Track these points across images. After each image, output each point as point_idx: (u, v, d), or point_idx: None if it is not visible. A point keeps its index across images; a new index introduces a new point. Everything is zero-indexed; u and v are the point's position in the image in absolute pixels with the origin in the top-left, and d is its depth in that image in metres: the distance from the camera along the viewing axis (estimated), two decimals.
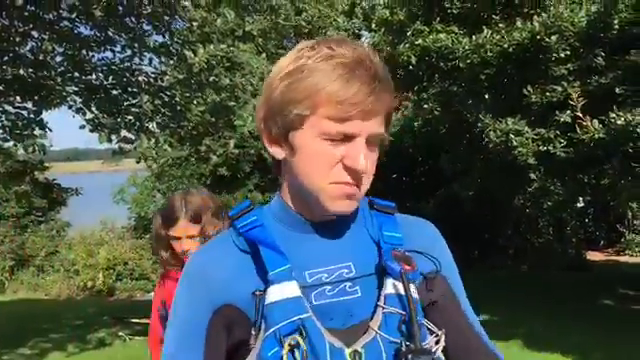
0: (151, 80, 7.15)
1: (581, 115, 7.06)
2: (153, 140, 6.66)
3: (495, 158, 8.63)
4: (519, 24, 7.73)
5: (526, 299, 10.80)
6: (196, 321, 1.08)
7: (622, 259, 17.75)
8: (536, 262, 15.22)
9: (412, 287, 1.03)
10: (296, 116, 1.03)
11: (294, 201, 1.11)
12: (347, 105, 0.99)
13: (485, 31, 7.96)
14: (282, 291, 1.01)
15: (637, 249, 18.24)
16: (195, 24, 6.33)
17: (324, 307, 1.04)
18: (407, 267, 1.04)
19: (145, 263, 21.38)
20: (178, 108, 6.73)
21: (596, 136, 6.88)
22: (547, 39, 7.36)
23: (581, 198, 11.64)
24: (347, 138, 1.02)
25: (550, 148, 7.56)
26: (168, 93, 7.02)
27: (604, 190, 8.96)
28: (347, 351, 0.99)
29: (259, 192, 18.04)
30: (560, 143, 7.58)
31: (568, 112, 7.29)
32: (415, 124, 14.36)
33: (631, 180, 8.05)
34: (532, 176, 8.14)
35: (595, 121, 6.93)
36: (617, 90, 6.95)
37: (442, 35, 8.42)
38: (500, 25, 7.98)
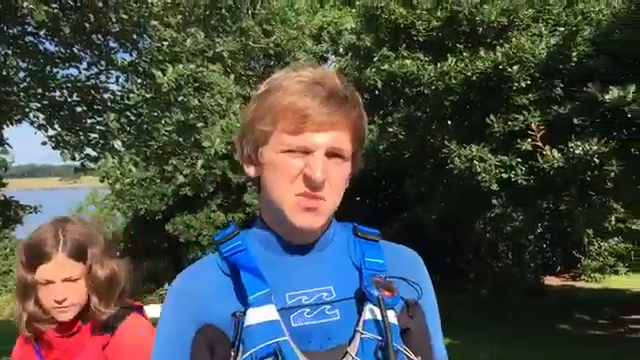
0: (117, 98, 7.07)
1: (541, 144, 7.27)
2: (117, 159, 6.57)
3: (458, 183, 8.79)
4: (482, 53, 7.95)
5: (486, 323, 10.94)
6: (181, 339, 1.09)
7: (578, 284, 18.15)
8: (495, 286, 15.45)
9: (391, 313, 1.05)
10: (261, 132, 1.07)
11: (270, 219, 1.13)
12: (300, 116, 1.03)
13: (450, 59, 8.17)
14: (260, 315, 1.02)
15: (592, 275, 18.70)
16: (165, 44, 6.31)
17: (303, 329, 1.05)
18: (387, 293, 1.06)
19: None
20: (145, 127, 6.66)
21: (556, 164, 7.09)
22: (509, 69, 7.59)
23: (539, 224, 11.91)
24: (307, 152, 1.05)
25: (512, 175, 7.74)
26: (134, 111, 6.95)
27: (561, 217, 9.21)
28: None
29: (222, 212, 17.90)
30: (521, 170, 7.78)
31: (529, 140, 7.49)
32: (380, 147, 14.54)
33: (587, 207, 8.31)
34: (494, 202, 8.31)
35: (555, 150, 7.14)
36: (575, 120, 7.18)
37: (408, 61, 8.60)
38: (464, 54, 8.20)
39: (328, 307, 1.08)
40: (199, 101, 6.07)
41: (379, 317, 1.05)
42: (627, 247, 20.04)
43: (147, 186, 17.21)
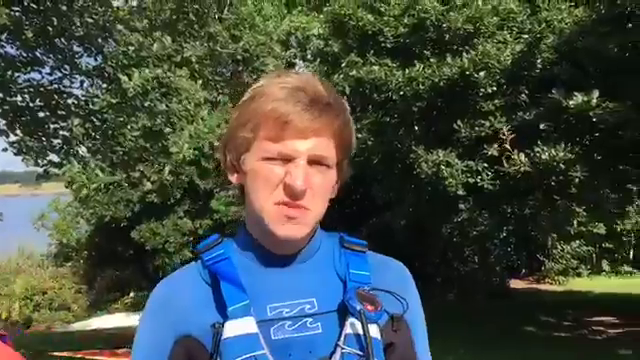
0: (82, 103, 6.92)
1: (509, 149, 7.38)
2: (82, 164, 6.43)
3: (426, 188, 8.86)
4: (449, 60, 8.05)
5: (453, 326, 11.03)
6: (159, 349, 1.07)
7: (542, 287, 18.50)
8: (462, 290, 15.62)
9: (373, 328, 1.03)
10: (243, 139, 1.06)
11: (253, 229, 1.10)
12: (281, 123, 1.01)
13: (417, 65, 8.24)
14: (238, 327, 1.00)
15: (556, 277, 19.08)
16: (132, 48, 6.21)
17: (283, 342, 1.02)
18: (370, 307, 1.03)
19: (66, 293, 20.43)
20: (110, 133, 6.54)
21: (522, 169, 7.20)
22: (475, 75, 7.70)
23: (504, 228, 12.09)
24: (288, 159, 1.02)
25: (478, 180, 7.84)
26: (99, 117, 6.81)
27: (526, 221, 9.37)
28: None
29: (189, 219, 17.72)
30: (487, 175, 7.88)
31: (495, 146, 7.60)
32: None
33: (551, 212, 8.47)
34: (461, 206, 8.40)
35: (521, 155, 7.26)
36: (541, 126, 7.31)
37: (376, 67, 8.65)
38: (431, 60, 8.28)
39: (310, 320, 1.05)
40: (167, 106, 5.98)
41: (360, 331, 1.02)
42: (589, 250, 20.52)
43: (112, 192, 16.91)
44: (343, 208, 16.21)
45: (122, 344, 7.83)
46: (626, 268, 20.61)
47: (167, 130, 6.11)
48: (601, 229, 17.08)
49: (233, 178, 1.12)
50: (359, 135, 10.07)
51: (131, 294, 20.80)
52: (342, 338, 1.03)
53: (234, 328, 1.00)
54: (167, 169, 5.94)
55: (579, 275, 20.10)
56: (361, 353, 1.01)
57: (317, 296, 1.08)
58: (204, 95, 6.85)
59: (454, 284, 16.38)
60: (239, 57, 8.03)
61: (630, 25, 7.63)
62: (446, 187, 7.83)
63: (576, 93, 6.84)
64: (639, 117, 6.68)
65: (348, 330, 1.04)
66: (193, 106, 6.46)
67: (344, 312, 1.06)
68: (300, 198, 1.03)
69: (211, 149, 7.55)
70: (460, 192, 7.82)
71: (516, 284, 18.08)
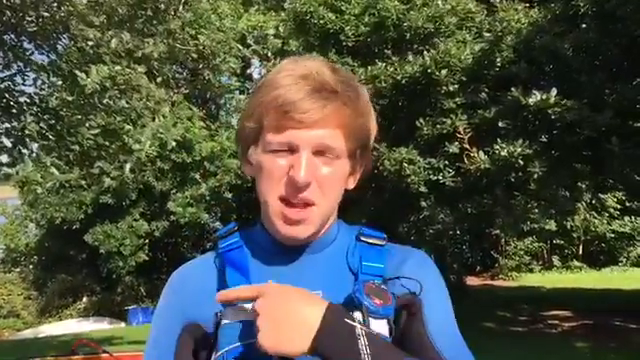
0: (36, 101, 6.66)
1: (468, 146, 7.49)
2: (35, 163, 6.20)
3: (388, 186, 8.91)
4: (411, 58, 8.11)
5: None
6: (169, 333, 1.07)
7: (496, 283, 18.93)
8: None
9: (380, 323, 0.99)
10: (250, 130, 1.03)
11: (265, 220, 1.07)
12: (281, 112, 0.97)
13: (379, 64, 8.27)
14: (237, 314, 0.98)
15: (510, 273, 19.56)
16: (90, 43, 6.01)
17: None
18: (377, 301, 0.99)
19: (15, 299, 19.72)
20: (66, 131, 6.31)
21: (482, 166, 7.31)
22: (437, 73, 7.77)
23: (459, 226, 12.30)
24: (292, 150, 0.99)
25: (440, 177, 7.92)
26: (54, 115, 6.57)
27: (481, 218, 9.52)
28: None
29: (145, 221, 17.37)
30: (448, 172, 7.98)
31: (456, 143, 7.70)
32: None
33: (510, 208, 8.63)
34: (423, 204, 8.48)
35: (481, 152, 7.37)
36: (500, 123, 7.44)
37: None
38: (393, 58, 8.33)
39: None
40: (127, 103, 5.81)
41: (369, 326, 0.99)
42: (540, 246, 21.12)
43: (63, 194, 16.39)
44: None
45: (75, 351, 7.60)
46: (576, 263, 21.30)
47: (127, 127, 5.94)
48: (552, 226, 17.59)
49: (246, 169, 1.10)
50: None
51: (84, 299, 20.25)
52: None
53: (232, 315, 0.98)
54: (128, 166, 5.78)
55: (531, 271, 20.68)
56: None
57: (324, 288, 1.04)
58: (161, 94, 6.69)
59: None
60: (195, 55, 7.88)
61: (584, 25, 7.86)
62: (409, 185, 7.89)
63: (534, 91, 6.99)
64: (594, 115, 6.88)
65: None
66: (153, 103, 6.31)
67: (351, 306, 1.02)
68: (303, 191, 0.99)
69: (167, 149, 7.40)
70: (422, 189, 7.89)
71: (472, 281, 18.44)
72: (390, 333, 1.01)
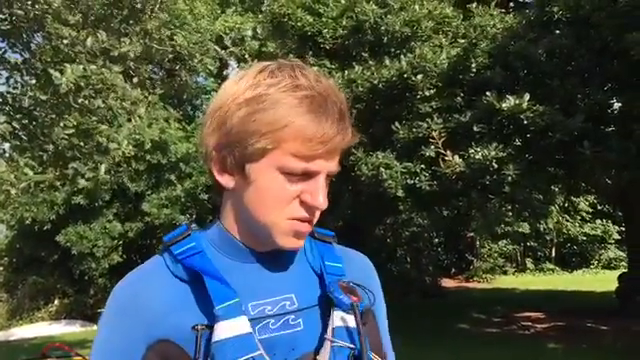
0: (8, 100, 6.55)
1: (443, 150, 7.56)
2: (8, 163, 6.09)
3: (365, 190, 8.95)
4: (387, 62, 8.16)
5: (390, 326, 11.20)
6: (126, 356, 0.98)
7: (471, 285, 19.12)
8: (395, 290, 15.89)
9: (350, 317, 1.00)
10: (258, 149, 0.96)
11: (240, 231, 1.04)
12: (316, 143, 0.95)
13: (356, 67, 8.31)
14: (232, 327, 0.94)
15: (484, 276, 19.78)
16: (65, 42, 5.92)
17: (268, 342, 0.97)
18: (354, 298, 1.01)
19: None
20: (39, 131, 6.21)
21: (458, 170, 7.38)
22: (413, 78, 7.84)
23: (435, 229, 12.40)
24: (307, 175, 0.98)
25: (416, 181, 7.98)
26: (27, 114, 6.46)
27: (457, 221, 9.63)
28: None
29: (119, 222, 17.17)
30: (425, 176, 8.04)
31: (432, 147, 7.76)
32: None
33: (485, 211, 8.74)
34: (401, 207, 8.53)
35: (456, 156, 7.45)
36: (475, 128, 7.53)
37: (315, 69, 8.64)
38: (370, 62, 8.37)
39: (292, 317, 1.01)
40: (104, 102, 5.74)
41: (349, 324, 0.99)
42: (514, 249, 21.39)
43: (33, 193, 16.11)
44: None
45: (47, 354, 7.48)
46: (549, 265, 21.63)
47: (102, 127, 5.87)
48: (526, 228, 17.85)
49: (224, 179, 1.02)
50: None
51: (56, 302, 19.93)
52: (329, 331, 1.00)
53: (227, 329, 0.93)
54: (103, 167, 5.70)
55: (505, 273, 20.94)
56: (352, 346, 0.99)
57: (296, 292, 1.04)
58: (137, 94, 6.62)
59: (387, 284, 16.64)
60: (171, 55, 7.83)
61: (558, 31, 8.00)
62: (386, 189, 7.93)
63: (508, 96, 7.10)
64: (566, 120, 7.01)
65: (337, 324, 1.00)
66: (129, 104, 6.24)
67: (324, 306, 1.03)
68: (316, 214, 1.01)
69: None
70: (399, 193, 7.94)
71: (447, 283, 18.60)
72: (357, 325, 1.01)
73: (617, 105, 8.02)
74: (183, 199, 17.01)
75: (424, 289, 16.17)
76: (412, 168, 7.95)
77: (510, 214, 9.61)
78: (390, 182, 7.81)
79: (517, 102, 7.01)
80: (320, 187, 0.98)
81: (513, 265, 21.70)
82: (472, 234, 18.16)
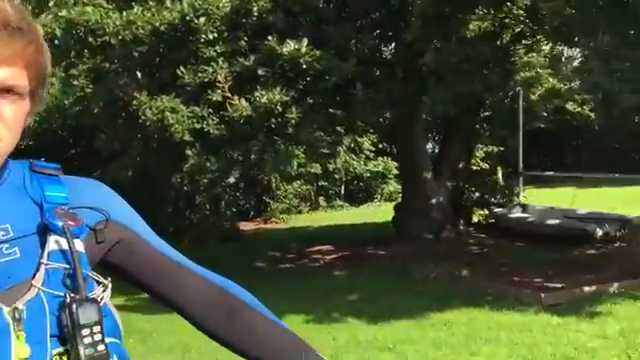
0: None
1: (230, 95, 7.65)
2: None
3: (153, 136, 8.74)
4: (169, 4, 7.92)
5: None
6: None
7: (269, 227, 19.83)
8: (195, 237, 15.93)
9: (78, 242, 1.05)
10: None
11: None
12: None
13: (135, 8, 7.94)
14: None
15: (281, 216, 20.62)
16: None
17: None
18: (71, 223, 1.05)
19: None
20: None
21: (244, 113, 7.55)
22: (196, 20, 7.72)
23: (232, 173, 12.59)
24: None
25: (204, 125, 7.99)
26: None
27: (251, 165, 9.88)
28: (6, 310, 0.96)
29: None
30: (212, 121, 8.08)
31: (219, 92, 7.80)
32: (64, 102, 13.50)
33: (274, 154, 9.07)
34: (188, 153, 8.50)
35: (243, 100, 7.59)
36: (259, 72, 7.71)
37: (89, 8, 8.08)
38: (151, 3, 8.05)
39: (6, 246, 1.02)
40: None
41: (64, 246, 1.03)
42: (308, 189, 22.54)
43: None
44: (61, 162, 15.11)
45: None
46: (339, 202, 23.19)
47: None
48: (317, 169, 18.86)
49: None
50: (75, 82, 9.42)
51: None
52: (45, 255, 1.03)
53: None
54: None
55: (300, 212, 22.01)
56: (67, 266, 1.03)
57: (10, 222, 1.05)
58: None
59: (187, 232, 16.61)
60: None
61: None
62: (172, 134, 7.83)
63: (288, 41, 7.36)
64: (340, 64, 7.49)
65: (52, 247, 1.03)
66: None
67: (44, 233, 1.06)
68: None
69: None
70: (187, 138, 7.90)
71: (246, 226, 19.05)
72: (85, 250, 1.06)
73: (387, 51, 8.77)
74: None
75: (223, 234, 16.42)
76: (199, 112, 7.93)
77: (302, 155, 10.10)
78: (177, 127, 7.72)
79: (296, 47, 7.31)
80: None
81: (307, 204, 22.88)
82: (268, 178, 18.73)
